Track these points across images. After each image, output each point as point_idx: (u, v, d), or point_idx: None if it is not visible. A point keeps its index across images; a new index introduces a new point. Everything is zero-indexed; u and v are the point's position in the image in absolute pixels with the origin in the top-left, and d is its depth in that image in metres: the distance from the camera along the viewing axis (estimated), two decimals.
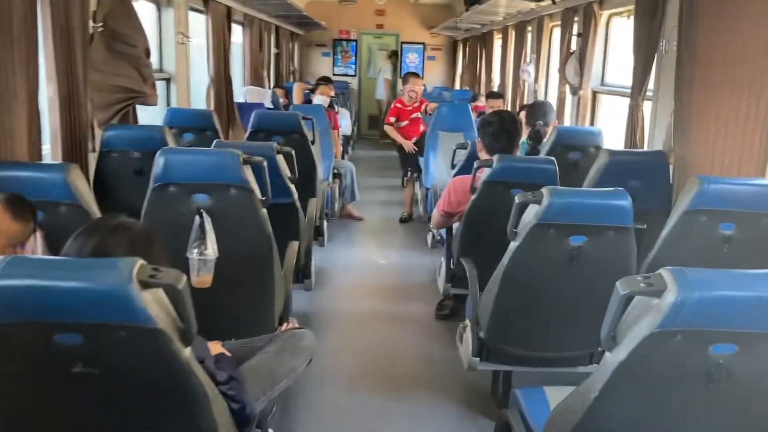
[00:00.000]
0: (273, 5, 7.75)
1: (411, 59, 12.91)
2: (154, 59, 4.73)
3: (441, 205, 3.42)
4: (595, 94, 4.93)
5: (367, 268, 5.06)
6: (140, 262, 1.27)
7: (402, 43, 12.84)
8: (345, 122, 7.66)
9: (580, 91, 4.83)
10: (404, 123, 6.68)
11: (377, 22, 12.72)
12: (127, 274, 1.24)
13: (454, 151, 4.27)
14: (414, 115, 6.65)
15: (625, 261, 2.37)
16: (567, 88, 5.30)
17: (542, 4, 5.52)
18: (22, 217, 1.99)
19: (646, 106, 3.93)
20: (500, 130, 3.25)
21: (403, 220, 6.62)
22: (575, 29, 5.18)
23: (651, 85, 3.85)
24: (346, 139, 8.00)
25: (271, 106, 6.79)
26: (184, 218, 2.28)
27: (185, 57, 4.97)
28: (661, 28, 3.64)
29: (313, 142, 4.35)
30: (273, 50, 9.47)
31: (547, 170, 3.02)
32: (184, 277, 1.29)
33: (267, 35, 8.51)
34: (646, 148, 3.92)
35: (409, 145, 6.59)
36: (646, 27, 3.70)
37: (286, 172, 3.16)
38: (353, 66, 12.99)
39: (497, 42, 8.57)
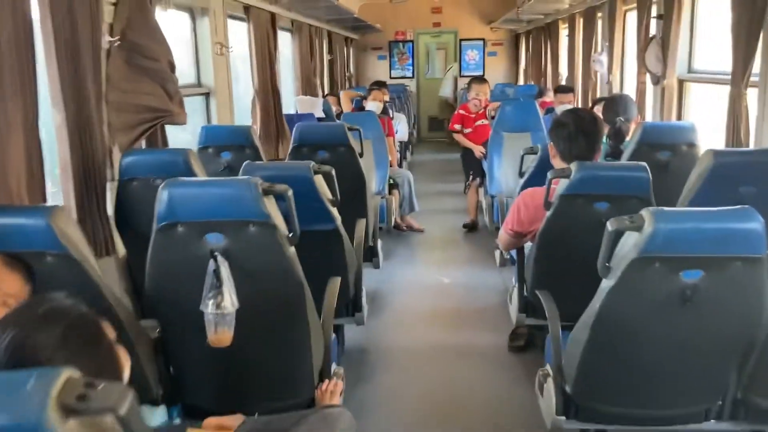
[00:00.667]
0: (324, 9, 7.40)
1: (471, 56, 12.35)
2: (190, 72, 4.46)
3: (509, 223, 2.90)
4: (681, 83, 4.29)
5: (428, 290, 4.59)
6: (66, 375, 0.85)
7: (461, 40, 12.30)
8: (402, 128, 7.22)
9: (664, 81, 4.21)
10: (468, 131, 6.19)
11: (434, 20, 12.23)
12: (41, 398, 0.82)
13: (522, 157, 3.73)
14: (479, 122, 6.16)
15: (757, 298, 1.82)
16: (648, 77, 4.67)
17: None
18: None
19: (751, 95, 3.30)
20: (577, 132, 2.70)
21: (467, 227, 6.12)
22: (654, 11, 4.56)
23: (756, 69, 3.22)
24: (404, 146, 7.54)
25: (323, 116, 6.42)
26: (195, 264, 1.89)
27: (226, 69, 4.64)
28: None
29: (361, 155, 3.92)
30: (326, 56, 9.13)
31: (639, 179, 2.48)
32: (130, 396, 0.86)
33: (318, 41, 8.16)
34: (752, 146, 3.29)
35: (478, 149, 6.08)
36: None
37: (327, 194, 2.74)
38: (410, 68, 12.54)
39: (563, 32, 7.93)
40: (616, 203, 2.46)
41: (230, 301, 1.88)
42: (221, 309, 1.88)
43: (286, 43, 7.19)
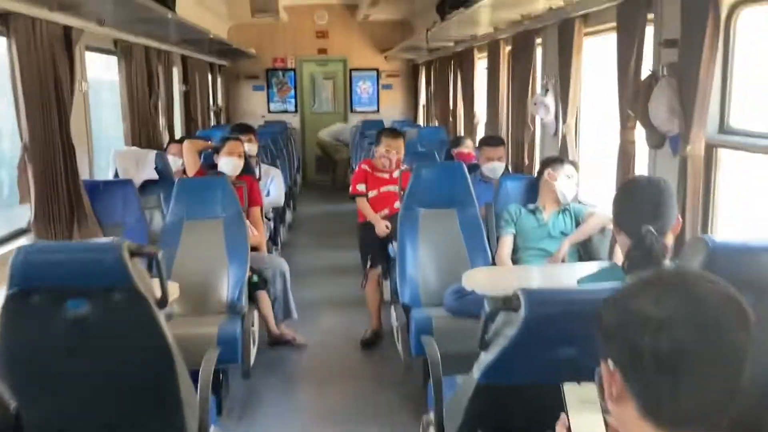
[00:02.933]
0: (167, 27, 5.40)
1: (363, 89, 10.64)
2: None
3: None
4: (711, 149, 2.68)
5: None
6: None
7: (351, 69, 10.57)
8: (276, 188, 5.29)
9: (687, 147, 2.58)
10: (372, 194, 4.44)
11: (319, 46, 10.44)
12: None
13: (487, 318, 1.88)
14: (387, 188, 4.43)
15: None
16: (639, 135, 3.08)
17: None
18: None
19: None
20: None
21: (366, 343, 4.28)
22: (649, 36, 2.98)
23: None
24: (278, 214, 5.56)
25: (155, 176, 4.39)
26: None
27: None
28: None
29: (162, 304, 1.95)
30: (177, 87, 7.08)
31: None
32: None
33: (164, 68, 6.11)
34: None
35: (381, 226, 4.31)
36: None
37: None
38: (293, 100, 10.64)
39: (480, 63, 6.36)
40: None
41: None
42: None
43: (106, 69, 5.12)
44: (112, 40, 4.74)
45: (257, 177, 4.59)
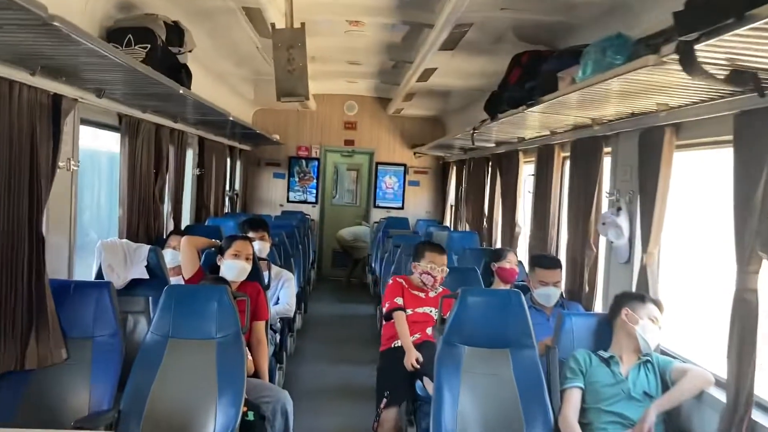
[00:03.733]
0: (187, 106, 4.88)
1: (389, 184, 10.07)
2: None
3: None
4: None
5: None
6: None
7: (377, 163, 10.06)
8: (286, 296, 4.56)
9: None
10: (409, 312, 3.74)
11: (346, 137, 9.98)
12: None
13: None
14: (423, 310, 3.73)
15: None
16: None
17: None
18: None
19: None
20: None
21: None
22: None
23: None
24: (285, 326, 4.76)
25: (144, 275, 3.68)
26: None
27: None
28: None
29: None
30: (191, 171, 6.52)
31: None
32: None
33: (176, 150, 5.55)
34: None
35: (411, 357, 3.54)
36: None
37: None
38: (314, 191, 10.09)
39: (526, 166, 5.74)
40: None
41: None
42: None
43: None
44: (115, 113, 4.17)
45: (266, 284, 3.87)
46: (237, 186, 9.06)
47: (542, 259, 3.93)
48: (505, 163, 6.03)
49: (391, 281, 3.90)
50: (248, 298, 3.14)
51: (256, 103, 9.35)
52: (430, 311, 3.81)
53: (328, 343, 6.35)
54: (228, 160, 8.36)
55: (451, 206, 9.51)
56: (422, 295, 3.84)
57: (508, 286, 4.80)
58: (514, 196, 5.76)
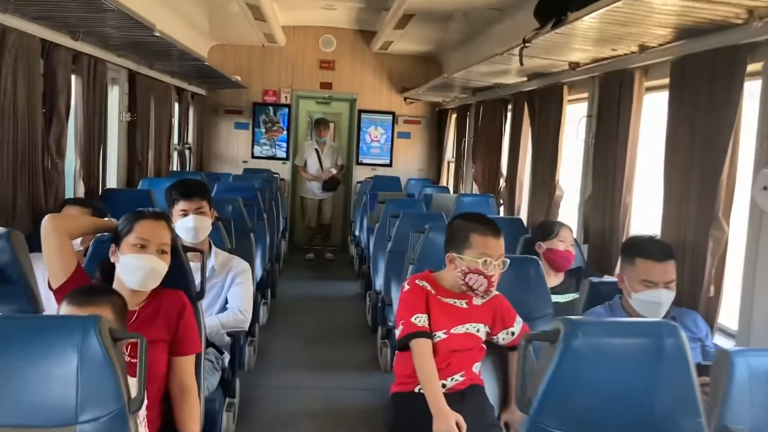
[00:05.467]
0: (111, 29, 3.28)
1: (374, 136, 8.49)
2: None
3: None
4: None
5: None
6: None
7: (360, 111, 8.45)
8: (237, 297, 3.00)
9: None
10: (441, 336, 2.22)
11: (322, 79, 8.33)
12: None
13: None
14: (464, 329, 2.23)
15: None
16: None
17: None
18: None
19: None
20: None
21: None
22: None
23: None
24: (238, 342, 3.13)
25: None
26: None
27: None
28: None
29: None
30: (122, 116, 4.89)
31: None
32: None
33: (89, 83, 3.94)
34: None
35: (446, 421, 2.09)
36: None
37: None
38: (284, 144, 8.46)
39: (571, 108, 4.22)
40: None
41: None
42: None
43: None
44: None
45: (197, 291, 2.32)
46: (190, 139, 7.42)
47: (648, 246, 2.44)
48: (540, 104, 4.49)
49: (407, 285, 2.37)
50: (142, 339, 1.60)
51: (212, 36, 7.65)
52: (477, 330, 2.33)
53: (303, 342, 4.85)
54: (176, 105, 6.72)
55: (449, 163, 7.99)
56: (463, 304, 2.34)
57: (560, 277, 3.37)
58: (554, 148, 4.24)
